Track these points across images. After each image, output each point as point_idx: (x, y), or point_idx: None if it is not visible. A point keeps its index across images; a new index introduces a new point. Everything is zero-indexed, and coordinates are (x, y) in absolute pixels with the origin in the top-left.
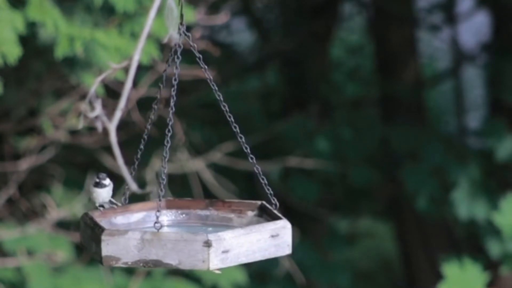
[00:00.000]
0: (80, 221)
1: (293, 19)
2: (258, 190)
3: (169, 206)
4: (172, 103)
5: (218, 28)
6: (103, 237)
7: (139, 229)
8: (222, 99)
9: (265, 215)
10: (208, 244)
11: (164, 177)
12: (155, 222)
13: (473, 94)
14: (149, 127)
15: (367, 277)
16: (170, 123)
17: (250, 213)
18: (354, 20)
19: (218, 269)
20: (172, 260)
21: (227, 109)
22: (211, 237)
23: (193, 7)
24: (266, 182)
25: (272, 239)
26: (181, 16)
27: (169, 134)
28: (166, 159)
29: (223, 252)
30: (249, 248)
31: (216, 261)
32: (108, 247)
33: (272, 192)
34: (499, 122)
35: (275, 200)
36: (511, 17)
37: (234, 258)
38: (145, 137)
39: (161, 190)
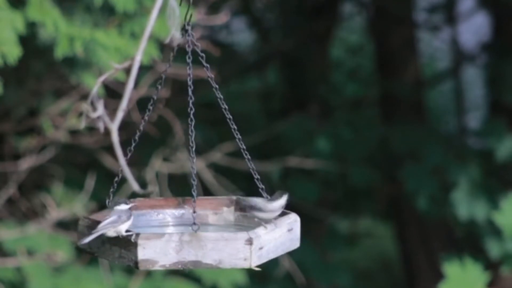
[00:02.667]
0: (84, 230)
1: (293, 19)
2: (258, 190)
3: (141, 207)
4: (190, 103)
5: (218, 28)
6: (139, 241)
7: (176, 231)
8: (222, 97)
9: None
10: (250, 242)
11: (195, 178)
12: (193, 223)
13: (473, 94)
14: (141, 128)
15: (367, 277)
16: (192, 123)
17: (226, 209)
18: (354, 20)
19: (257, 267)
20: (212, 260)
21: (226, 107)
22: (251, 234)
23: (193, 7)
24: (258, 177)
25: (288, 233)
26: (190, 16)
27: (193, 135)
28: (194, 160)
29: (260, 249)
30: (274, 243)
31: (255, 259)
32: (144, 251)
33: (263, 187)
34: (499, 122)
35: (267, 195)
36: (511, 17)
37: (265, 254)
38: (136, 138)
39: (194, 191)
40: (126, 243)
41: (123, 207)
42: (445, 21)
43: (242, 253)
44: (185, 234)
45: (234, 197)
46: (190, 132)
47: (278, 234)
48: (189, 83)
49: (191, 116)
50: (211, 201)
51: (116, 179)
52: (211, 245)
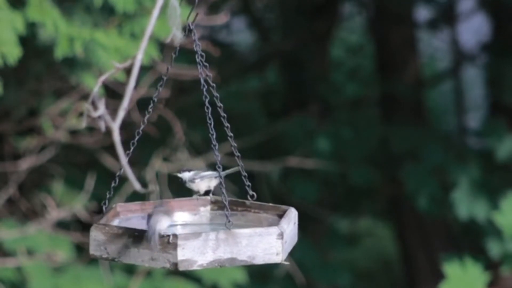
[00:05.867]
0: (103, 238)
1: (293, 19)
2: (258, 190)
3: (122, 212)
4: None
5: (218, 28)
6: (179, 242)
7: (211, 230)
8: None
9: (233, 206)
10: (281, 236)
11: (221, 172)
12: (227, 221)
13: (473, 94)
14: (140, 131)
15: (367, 277)
16: (210, 124)
17: (203, 209)
18: (354, 20)
19: (285, 261)
20: (247, 256)
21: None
22: (281, 228)
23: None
24: (246, 174)
25: (294, 227)
26: (196, 15)
27: (214, 135)
28: (219, 158)
29: (285, 243)
30: (290, 237)
31: (284, 253)
32: (184, 251)
33: (249, 184)
34: (499, 122)
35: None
36: (511, 17)
37: (286, 248)
38: (135, 142)
39: (223, 184)
40: (161, 245)
41: (162, 209)
42: (445, 21)
43: (275, 247)
44: (220, 232)
45: (209, 197)
46: (210, 131)
47: (290, 228)
48: (202, 81)
49: (209, 115)
50: (188, 202)
51: (113, 184)
52: (245, 241)
